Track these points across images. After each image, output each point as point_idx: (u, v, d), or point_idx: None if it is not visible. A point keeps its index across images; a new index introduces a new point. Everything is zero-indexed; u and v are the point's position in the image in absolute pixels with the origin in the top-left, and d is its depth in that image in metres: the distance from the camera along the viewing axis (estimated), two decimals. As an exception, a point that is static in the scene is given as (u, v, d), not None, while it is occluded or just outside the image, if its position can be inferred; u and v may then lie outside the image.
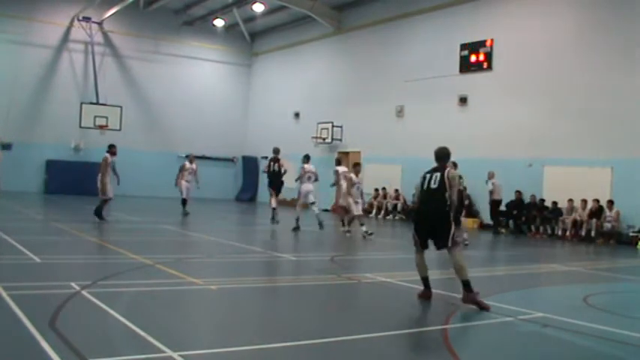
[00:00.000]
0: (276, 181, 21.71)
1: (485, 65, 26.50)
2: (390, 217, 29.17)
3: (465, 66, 27.20)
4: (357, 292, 10.49)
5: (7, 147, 33.78)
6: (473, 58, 26.92)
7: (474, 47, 26.90)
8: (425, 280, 9.49)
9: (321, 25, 34.91)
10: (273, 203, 21.90)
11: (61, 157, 34.50)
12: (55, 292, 8.51)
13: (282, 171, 21.74)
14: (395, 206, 29.22)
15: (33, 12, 34.78)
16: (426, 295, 9.36)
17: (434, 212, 9.38)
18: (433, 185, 9.52)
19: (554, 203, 23.19)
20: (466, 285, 8.90)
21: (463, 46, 27.29)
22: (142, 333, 6.60)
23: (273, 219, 21.47)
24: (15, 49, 34.28)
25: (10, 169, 30.53)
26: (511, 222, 24.82)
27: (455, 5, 27.97)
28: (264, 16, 37.31)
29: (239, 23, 39.29)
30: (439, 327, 7.72)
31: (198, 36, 39.86)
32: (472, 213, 26.10)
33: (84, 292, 8.45)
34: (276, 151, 21.83)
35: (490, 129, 25.95)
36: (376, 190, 30.62)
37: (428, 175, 9.75)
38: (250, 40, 41.88)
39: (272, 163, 21.65)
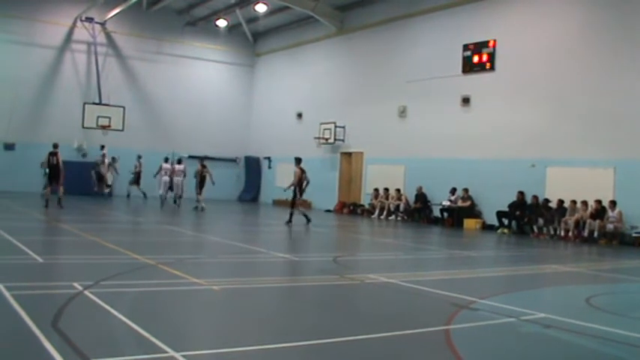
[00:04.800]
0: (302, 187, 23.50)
1: (487, 66, 26.48)
2: (392, 217, 29.13)
3: (468, 66, 27.18)
4: (360, 293, 10.48)
5: (10, 147, 33.88)
6: (475, 58, 26.89)
7: (476, 48, 26.88)
8: None
9: (324, 25, 34.92)
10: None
11: (64, 157, 34.32)
12: (57, 293, 8.53)
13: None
14: (397, 207, 29.18)
15: (36, 12, 34.82)
16: None
17: None
18: None
19: (561, 202, 23.08)
20: None
21: (466, 47, 27.26)
22: (145, 333, 6.60)
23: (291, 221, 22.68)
24: (18, 49, 34.33)
25: (12, 170, 30.64)
26: (514, 222, 24.76)
27: (458, 6, 27.96)
28: (267, 16, 37.32)
29: (242, 24, 39.31)
30: (442, 327, 7.70)
31: (200, 36, 39.89)
32: (474, 213, 26.11)
33: (86, 293, 8.46)
34: (299, 160, 23.88)
35: (493, 129, 25.93)
36: (376, 190, 30.56)
37: None
38: (253, 40, 41.90)
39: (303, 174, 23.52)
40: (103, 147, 33.52)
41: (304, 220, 22.67)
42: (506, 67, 25.95)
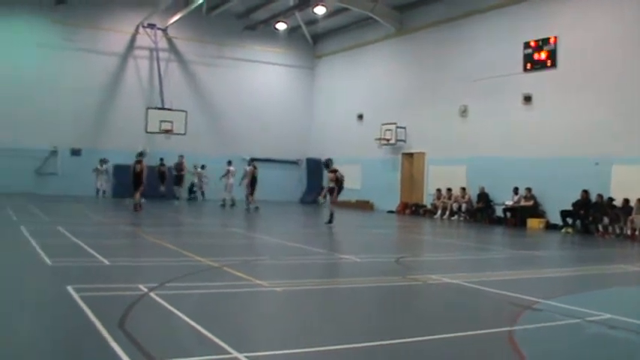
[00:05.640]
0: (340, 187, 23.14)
1: (549, 63, 26.01)
2: (455, 217, 28.87)
3: (529, 64, 26.78)
4: (422, 294, 10.41)
5: (76, 153, 34.62)
6: (536, 56, 26.48)
7: (537, 45, 26.46)
8: None
9: (383, 26, 34.83)
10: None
11: (128, 161, 34.98)
12: (123, 294, 8.66)
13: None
14: (459, 207, 28.89)
15: (99, 21, 35.54)
16: None
17: None
18: None
19: (626, 201, 22.56)
20: None
21: (526, 44, 26.84)
22: (209, 334, 6.65)
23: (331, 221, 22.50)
24: (82, 57, 35.08)
25: (79, 174, 31.29)
26: (578, 222, 24.30)
27: (517, 3, 27.52)
28: (326, 18, 37.33)
29: (301, 26, 39.47)
30: (505, 328, 7.59)
31: (260, 40, 40.11)
32: (538, 213, 25.73)
33: (152, 294, 8.57)
34: (328, 164, 23.60)
35: (555, 127, 25.47)
36: (438, 190, 30.30)
37: None
38: (313, 42, 42.00)
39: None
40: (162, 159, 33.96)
41: (328, 218, 22.56)
42: (568, 63, 25.45)
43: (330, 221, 22.15)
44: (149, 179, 27.53)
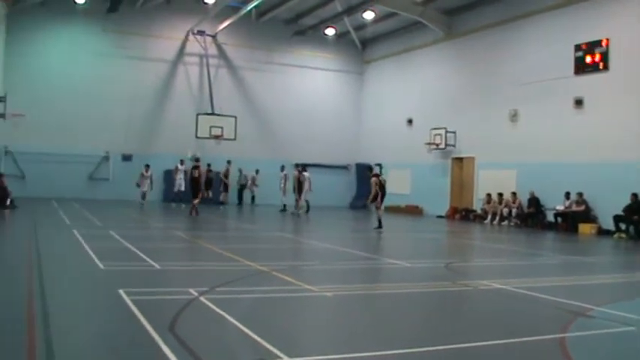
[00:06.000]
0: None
1: (601, 66, 25.59)
2: (505, 222, 28.55)
3: (580, 67, 26.38)
4: (473, 299, 10.29)
5: (127, 158, 35.09)
6: (588, 58, 26.07)
7: (589, 48, 26.06)
8: None
9: (432, 30, 34.66)
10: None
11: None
12: (174, 298, 8.72)
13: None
14: (510, 212, 28.55)
15: (150, 28, 36.05)
16: None
17: None
18: None
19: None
20: None
21: (578, 47, 26.46)
22: (259, 339, 6.65)
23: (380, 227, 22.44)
24: (134, 64, 35.63)
25: (130, 180, 31.72)
26: (631, 227, 23.85)
27: (568, 5, 27.16)
28: (375, 23, 37.33)
29: (350, 31, 39.49)
30: (557, 335, 7.45)
31: (309, 45, 40.24)
32: (589, 218, 25.33)
33: (202, 298, 8.61)
34: (371, 169, 24.18)
35: (607, 131, 25.02)
36: (489, 195, 29.99)
37: None
38: (361, 47, 41.98)
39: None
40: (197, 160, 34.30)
41: (377, 223, 22.40)
42: (620, 66, 25.00)
43: (379, 226, 22.07)
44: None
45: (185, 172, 30.48)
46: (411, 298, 10.14)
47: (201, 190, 26.59)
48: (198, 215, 25.31)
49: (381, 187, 22.71)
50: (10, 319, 7.28)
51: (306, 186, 29.89)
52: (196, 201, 26.10)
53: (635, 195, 23.28)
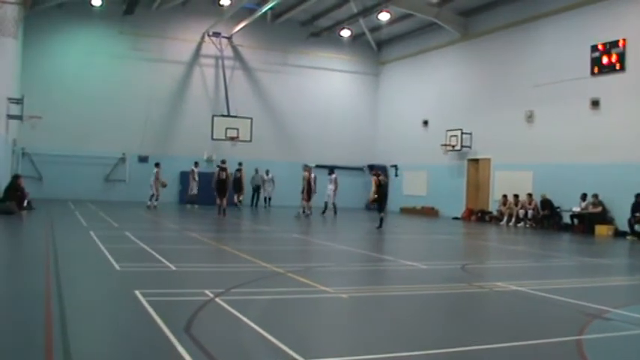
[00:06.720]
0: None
1: (618, 66, 25.47)
2: (521, 224, 28.44)
3: (597, 68, 26.27)
4: (488, 301, 10.25)
5: (144, 160, 35.23)
6: (605, 59, 25.94)
7: (605, 48, 25.93)
8: None
9: (448, 31, 34.60)
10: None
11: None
12: (189, 299, 8.73)
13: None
14: (526, 213, 28.43)
15: (165, 30, 36.21)
16: None
17: None
18: None
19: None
20: None
21: (594, 48, 26.35)
22: (274, 340, 6.65)
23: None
24: (150, 66, 35.82)
25: (147, 181, 31.82)
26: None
27: (584, 5, 27.04)
28: (390, 24, 37.30)
29: (365, 33, 39.46)
30: (574, 337, 7.42)
31: (325, 47, 40.25)
32: (606, 220, 25.19)
33: (217, 300, 8.62)
34: (372, 168, 24.66)
35: (624, 133, 24.90)
36: (504, 196, 29.88)
37: None
38: (377, 49, 41.96)
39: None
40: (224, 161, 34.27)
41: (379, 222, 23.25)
42: (637, 67, 24.84)
43: (380, 226, 22.57)
44: (209, 186, 28.91)
45: (199, 174, 31.10)
46: (427, 299, 10.12)
47: (242, 190, 29.79)
48: (225, 216, 26.10)
49: (380, 186, 22.88)
50: (28, 319, 7.32)
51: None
52: (225, 202, 27.38)
53: (638, 195, 23.30)
